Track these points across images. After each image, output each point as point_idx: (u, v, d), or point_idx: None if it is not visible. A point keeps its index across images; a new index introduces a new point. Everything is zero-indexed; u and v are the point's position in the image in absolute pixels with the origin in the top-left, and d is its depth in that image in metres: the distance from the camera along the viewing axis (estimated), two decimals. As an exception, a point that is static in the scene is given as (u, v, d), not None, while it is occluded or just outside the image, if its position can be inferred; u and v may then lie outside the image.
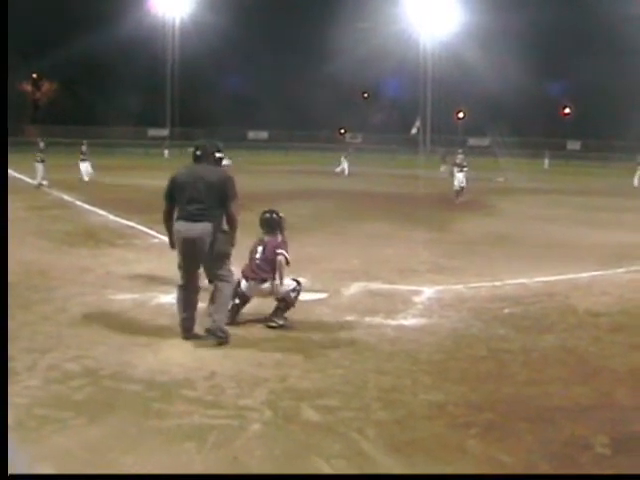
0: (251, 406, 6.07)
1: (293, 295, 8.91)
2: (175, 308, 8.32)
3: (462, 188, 26.81)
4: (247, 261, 9.07)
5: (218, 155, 8.88)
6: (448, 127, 78.69)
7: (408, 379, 6.90)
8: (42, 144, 29.80)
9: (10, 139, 25.30)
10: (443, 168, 27.19)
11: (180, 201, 8.08)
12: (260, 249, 9.00)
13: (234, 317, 8.74)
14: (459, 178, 27.01)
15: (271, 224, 9.21)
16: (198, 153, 8.37)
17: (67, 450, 5.05)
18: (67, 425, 5.55)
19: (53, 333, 8.09)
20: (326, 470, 4.94)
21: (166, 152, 54.85)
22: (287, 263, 8.94)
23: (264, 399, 6.23)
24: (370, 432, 5.58)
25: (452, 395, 6.49)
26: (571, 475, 5.06)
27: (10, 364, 6.83)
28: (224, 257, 8.21)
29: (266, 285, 8.88)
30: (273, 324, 8.69)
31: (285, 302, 8.86)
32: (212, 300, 8.17)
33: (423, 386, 6.73)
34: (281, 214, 9.29)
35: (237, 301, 8.83)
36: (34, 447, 5.13)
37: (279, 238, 9.12)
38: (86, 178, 30.07)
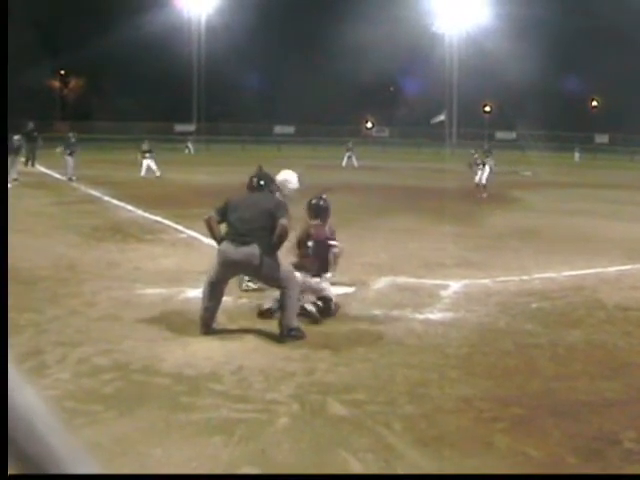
0: (278, 400, 6.10)
1: (334, 308, 8.92)
2: (200, 302, 8.39)
3: (483, 185, 26.77)
4: (295, 250, 9.25)
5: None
6: (474, 121, 78.32)
7: (435, 373, 6.90)
8: (73, 138, 29.67)
9: (40, 135, 25.44)
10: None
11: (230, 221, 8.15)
12: (311, 244, 9.15)
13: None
14: (480, 174, 27.12)
15: (319, 210, 9.41)
16: (261, 183, 8.52)
17: (97, 443, 5.10)
18: (97, 418, 5.61)
19: (82, 327, 8.16)
20: (353, 464, 4.96)
21: (190, 147, 54.80)
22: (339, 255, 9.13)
23: (291, 393, 6.26)
24: (397, 426, 5.59)
25: (479, 389, 6.49)
26: (573, 475, 5.04)
27: (40, 357, 6.93)
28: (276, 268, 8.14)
29: (317, 280, 9.02)
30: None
31: (325, 305, 8.82)
32: (281, 307, 8.13)
33: (450, 380, 6.73)
34: (328, 200, 9.44)
35: None
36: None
37: (327, 226, 9.32)
38: (143, 173, 30.10)
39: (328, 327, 8.39)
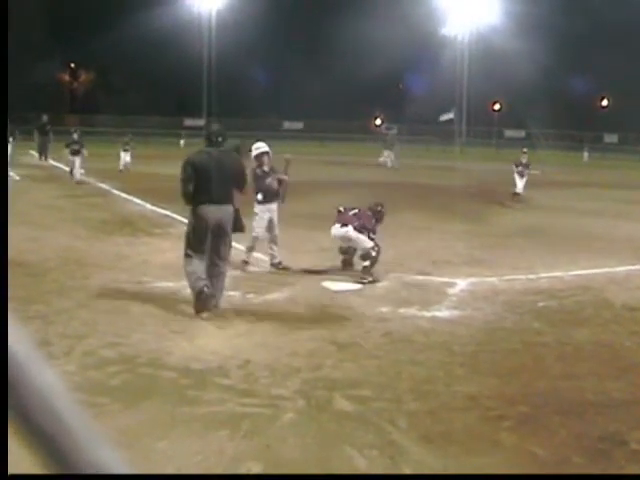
0: (284, 395, 6.10)
1: (374, 253, 10.63)
2: (189, 280, 8.65)
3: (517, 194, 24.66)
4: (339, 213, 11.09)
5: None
6: (484, 118, 78.09)
7: (441, 371, 6.90)
8: (75, 135, 28.10)
9: (51, 128, 25.31)
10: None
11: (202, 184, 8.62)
12: (357, 213, 10.99)
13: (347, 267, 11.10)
14: (521, 182, 24.50)
15: (379, 215, 11.41)
16: (219, 139, 8.99)
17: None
18: (103, 410, 5.62)
19: (89, 319, 8.18)
20: (358, 460, 4.96)
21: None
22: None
23: (297, 388, 6.27)
24: (402, 423, 5.59)
25: (485, 387, 6.48)
26: (573, 475, 5.04)
27: (47, 349, 6.93)
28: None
29: (344, 230, 10.72)
30: (364, 281, 10.40)
31: (369, 259, 10.59)
32: (214, 280, 8.62)
33: (456, 378, 6.73)
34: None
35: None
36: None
37: (377, 227, 11.21)
38: (121, 167, 30.12)
39: (335, 323, 8.40)
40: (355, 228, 10.68)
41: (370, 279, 10.45)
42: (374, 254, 10.63)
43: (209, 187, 8.56)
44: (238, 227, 9.01)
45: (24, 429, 0.33)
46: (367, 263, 10.62)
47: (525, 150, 26.39)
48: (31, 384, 0.31)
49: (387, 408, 5.89)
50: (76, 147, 26.59)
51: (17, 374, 0.34)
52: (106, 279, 10.25)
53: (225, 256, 8.85)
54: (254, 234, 11.01)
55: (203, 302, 8.39)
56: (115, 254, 12.07)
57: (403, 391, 6.31)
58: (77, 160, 25.99)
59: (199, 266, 8.62)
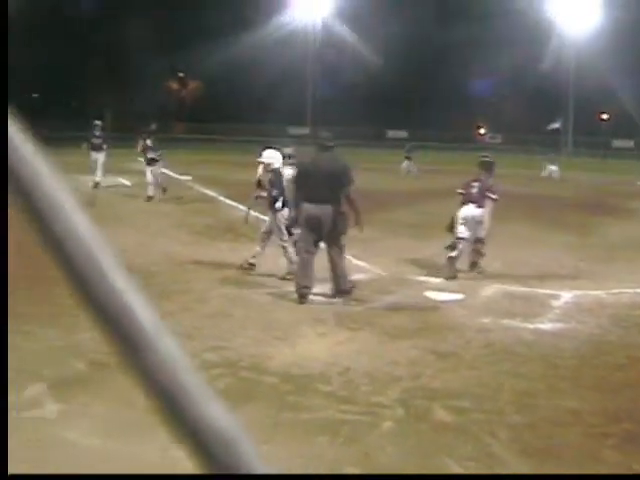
0: (384, 403, 6.13)
1: (483, 250, 11.63)
2: (297, 275, 9.62)
3: None
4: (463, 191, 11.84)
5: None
6: (591, 128, 76.27)
7: (543, 384, 6.80)
8: (97, 130, 24.06)
9: (160, 136, 25.38)
10: None
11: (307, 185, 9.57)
12: (477, 184, 11.73)
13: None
14: None
15: (487, 166, 12.25)
16: (328, 145, 9.94)
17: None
18: (206, 413, 5.74)
19: (193, 323, 8.37)
20: (456, 471, 4.95)
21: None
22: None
23: (397, 397, 6.28)
24: (502, 435, 5.54)
25: (588, 402, 6.36)
26: (573, 475, 4.91)
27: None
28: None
29: (480, 212, 11.51)
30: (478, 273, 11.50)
31: (478, 252, 11.57)
32: (333, 269, 9.53)
33: (559, 392, 6.62)
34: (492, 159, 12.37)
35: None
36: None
37: (491, 180, 12.04)
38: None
39: (436, 333, 8.37)
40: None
41: (480, 267, 11.59)
42: (483, 250, 11.59)
43: (312, 188, 9.43)
44: (340, 229, 9.52)
45: (150, 389, 0.39)
46: (476, 258, 11.63)
47: None
48: (159, 349, 0.38)
49: (487, 420, 5.85)
50: (98, 142, 23.34)
51: (148, 341, 0.40)
52: (210, 284, 10.46)
53: (334, 249, 9.53)
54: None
55: (299, 298, 9.38)
56: (219, 259, 12.29)
57: (504, 403, 6.25)
58: (100, 157, 23.17)
59: (306, 261, 9.52)
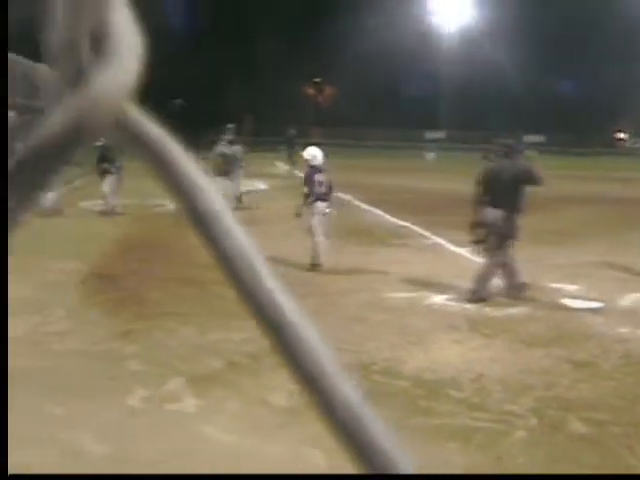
0: (516, 412, 6.08)
1: None
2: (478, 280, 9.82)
3: None
4: None
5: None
6: None
7: (685, 398, 6.58)
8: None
9: (298, 140, 25.41)
10: None
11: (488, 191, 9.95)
12: None
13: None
14: None
15: None
16: (511, 151, 10.27)
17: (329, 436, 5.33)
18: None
19: (328, 326, 8.50)
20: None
21: (431, 155, 54.69)
22: None
23: (530, 406, 6.22)
24: (640, 449, 5.41)
25: None
26: (572, 475, 4.66)
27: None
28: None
29: None
30: None
31: None
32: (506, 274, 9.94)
33: (702, 407, 6.39)
34: None
35: None
36: (303, 430, 5.45)
37: None
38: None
39: (571, 342, 8.21)
40: None
41: None
42: None
43: (493, 193, 9.80)
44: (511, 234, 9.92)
45: (295, 371, 0.46)
46: None
47: None
48: (305, 338, 0.44)
49: (624, 433, 5.71)
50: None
51: (297, 334, 0.47)
52: (344, 287, 10.59)
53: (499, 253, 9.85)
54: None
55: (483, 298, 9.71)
56: (353, 263, 12.39)
57: (642, 416, 6.09)
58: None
59: (490, 268, 9.86)
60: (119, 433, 5.57)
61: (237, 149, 20.85)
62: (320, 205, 12.11)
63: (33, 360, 7.07)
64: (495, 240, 9.87)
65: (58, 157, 0.42)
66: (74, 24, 0.41)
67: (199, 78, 68.55)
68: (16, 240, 0.46)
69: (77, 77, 0.41)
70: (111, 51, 0.42)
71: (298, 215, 12.40)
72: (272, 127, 53.29)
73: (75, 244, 13.49)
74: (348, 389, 0.47)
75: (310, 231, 12.09)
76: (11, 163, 0.42)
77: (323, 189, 12.19)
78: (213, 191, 0.46)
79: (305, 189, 12.22)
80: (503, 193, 9.74)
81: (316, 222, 12.05)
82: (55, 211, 16.36)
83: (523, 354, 7.68)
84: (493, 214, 9.82)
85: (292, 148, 34.54)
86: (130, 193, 18.79)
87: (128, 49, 0.42)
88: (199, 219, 0.46)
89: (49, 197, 15.24)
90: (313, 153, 12.47)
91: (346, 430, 0.48)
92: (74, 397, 6.20)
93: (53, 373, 6.87)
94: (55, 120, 0.41)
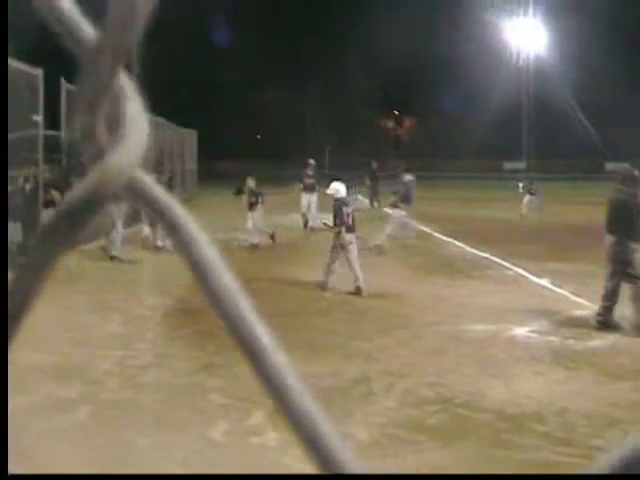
0: (603, 446, 5.93)
1: None
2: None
3: None
4: None
5: None
6: None
7: None
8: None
9: (380, 174, 25.37)
10: None
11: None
12: None
13: None
14: None
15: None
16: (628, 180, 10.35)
17: (416, 469, 5.30)
18: (420, 448, 5.82)
19: (409, 359, 8.47)
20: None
21: (520, 185, 54.14)
22: None
23: (617, 441, 6.06)
24: None
25: None
26: (571, 475, 4.39)
27: (369, 385, 7.32)
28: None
29: None
30: None
31: None
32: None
33: None
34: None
35: None
36: (390, 463, 5.44)
37: None
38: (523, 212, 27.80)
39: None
40: None
41: None
42: None
43: (608, 220, 10.16)
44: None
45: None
46: None
47: None
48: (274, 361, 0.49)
49: None
50: (310, 182, 23.54)
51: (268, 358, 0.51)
52: (426, 320, 10.52)
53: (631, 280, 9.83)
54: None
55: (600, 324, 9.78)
56: (434, 295, 12.31)
57: None
58: (312, 199, 22.97)
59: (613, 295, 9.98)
60: (202, 464, 5.63)
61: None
62: (348, 236, 12.63)
63: (120, 393, 7.23)
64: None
65: (82, 216, 0.49)
66: (94, 112, 0.50)
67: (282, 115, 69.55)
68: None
69: (96, 155, 0.50)
70: (124, 133, 0.50)
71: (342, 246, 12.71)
72: (353, 160, 53.58)
73: (160, 280, 13.73)
74: (307, 399, 0.50)
75: (348, 260, 12.49)
76: (43, 226, 0.50)
77: (350, 221, 12.82)
78: (206, 243, 0.53)
79: (335, 221, 12.84)
80: (611, 219, 10.08)
81: (353, 251, 12.58)
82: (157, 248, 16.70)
83: (609, 387, 7.51)
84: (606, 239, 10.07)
85: (375, 182, 33.72)
86: (211, 227, 19.05)
87: (137, 131, 0.51)
88: (196, 269, 0.52)
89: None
90: (337, 187, 13.22)
91: (301, 433, 0.50)
92: (158, 429, 6.29)
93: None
94: (78, 188, 0.49)
